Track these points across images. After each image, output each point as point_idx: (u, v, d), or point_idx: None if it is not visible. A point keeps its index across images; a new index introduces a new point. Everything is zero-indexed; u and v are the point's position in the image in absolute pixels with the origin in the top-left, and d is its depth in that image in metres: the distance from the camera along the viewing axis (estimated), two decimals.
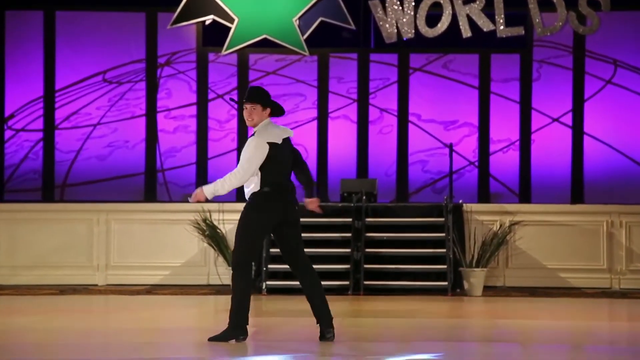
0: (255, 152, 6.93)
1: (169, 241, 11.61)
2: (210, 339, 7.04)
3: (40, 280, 11.48)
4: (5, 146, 13.27)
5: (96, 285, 11.60)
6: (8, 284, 11.48)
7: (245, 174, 6.93)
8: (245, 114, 7.03)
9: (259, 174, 6.99)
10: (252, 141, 6.99)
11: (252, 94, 7.02)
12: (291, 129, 14.77)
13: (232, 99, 7.33)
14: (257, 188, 7.00)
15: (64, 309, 9.79)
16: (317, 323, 7.11)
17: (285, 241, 7.12)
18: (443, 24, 13.03)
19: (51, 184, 13.24)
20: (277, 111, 7.10)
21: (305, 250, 11.36)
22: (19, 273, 11.55)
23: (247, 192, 7.08)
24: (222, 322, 9.03)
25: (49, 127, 13.33)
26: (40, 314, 9.37)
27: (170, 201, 13.10)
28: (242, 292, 6.97)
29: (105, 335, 7.80)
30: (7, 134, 13.29)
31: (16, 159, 13.29)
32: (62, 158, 13.32)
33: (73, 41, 13.34)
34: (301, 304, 10.35)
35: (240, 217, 7.02)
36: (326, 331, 7.07)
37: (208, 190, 7.03)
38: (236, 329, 6.98)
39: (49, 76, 13.29)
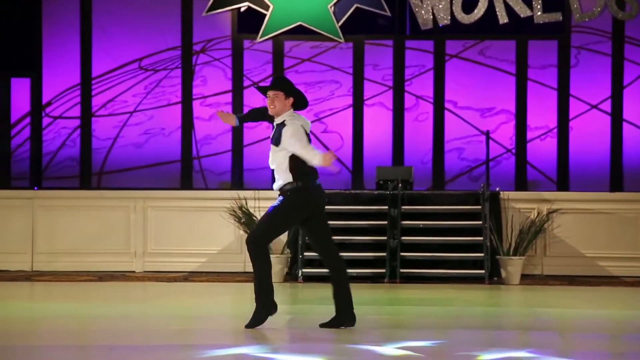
0: (303, 136, 6.90)
1: (205, 228, 11.65)
2: (247, 326, 7.05)
3: (78, 267, 11.58)
4: (43, 133, 13.37)
5: (134, 272, 11.67)
6: (47, 270, 11.59)
7: (309, 156, 6.90)
8: (268, 101, 7.00)
9: (292, 165, 6.94)
10: (291, 128, 6.94)
11: (275, 82, 7.03)
12: (326, 116, 14.77)
13: (256, 85, 7.31)
14: (292, 180, 6.97)
15: (102, 296, 9.86)
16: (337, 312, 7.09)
17: (315, 234, 7.10)
18: (479, 10, 12.92)
19: (88, 171, 13.33)
20: (300, 102, 7.03)
21: (342, 237, 11.40)
22: (57, 259, 11.65)
23: (281, 184, 7.00)
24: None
25: (86, 115, 13.41)
26: (79, 300, 9.45)
27: (207, 188, 13.14)
28: (261, 270, 6.94)
29: (143, 321, 7.84)
30: (45, 121, 13.39)
31: (54, 146, 13.39)
32: (99, 145, 13.39)
33: (109, 28, 13.39)
34: None
35: (280, 205, 6.98)
36: (345, 322, 7.05)
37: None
38: (265, 307, 6.94)
39: (85, 64, 13.35)
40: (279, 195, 7.10)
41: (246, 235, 11.27)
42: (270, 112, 7.01)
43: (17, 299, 9.58)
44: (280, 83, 7.01)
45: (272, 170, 7.17)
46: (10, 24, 13.23)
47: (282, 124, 7.01)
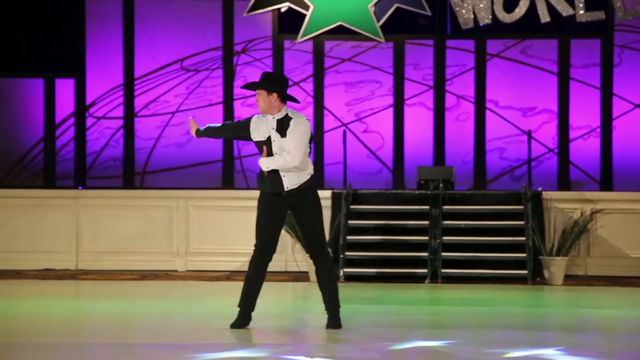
0: (307, 134, 6.92)
1: (247, 228, 11.66)
2: (330, 327, 7.04)
3: (122, 266, 11.68)
4: (87, 134, 13.51)
5: (176, 271, 11.76)
6: (91, 269, 11.71)
7: (297, 158, 6.89)
8: (257, 100, 6.99)
9: (307, 157, 7.00)
10: (303, 125, 6.90)
11: (259, 81, 6.97)
12: (367, 116, 14.78)
13: (244, 85, 7.21)
14: (312, 174, 7.03)
15: (145, 294, 9.95)
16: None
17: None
18: (521, 9, 12.85)
19: (131, 171, 13.45)
20: (286, 98, 6.99)
21: (383, 237, 11.39)
22: (102, 258, 11.77)
23: (304, 176, 6.95)
24: (300, 309, 9.08)
25: (129, 115, 13.53)
26: (122, 298, 9.54)
27: (248, 188, 13.19)
28: (336, 279, 7.08)
29: (185, 320, 7.90)
30: (89, 121, 13.53)
31: (97, 146, 13.52)
32: (142, 145, 13.51)
33: (151, 30, 13.50)
34: (378, 291, 10.35)
35: (312, 201, 6.97)
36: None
37: (263, 162, 6.96)
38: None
39: (128, 65, 13.48)
40: (299, 192, 6.94)
41: (287, 234, 11.35)
42: (260, 111, 6.96)
43: (63, 298, 9.70)
44: (261, 81, 6.95)
45: (276, 171, 6.96)
46: (55, 26, 13.39)
47: (289, 117, 6.94)
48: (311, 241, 7.03)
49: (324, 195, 11.67)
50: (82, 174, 13.40)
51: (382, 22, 13.02)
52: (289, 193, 6.96)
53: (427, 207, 11.40)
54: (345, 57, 13.44)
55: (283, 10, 13.23)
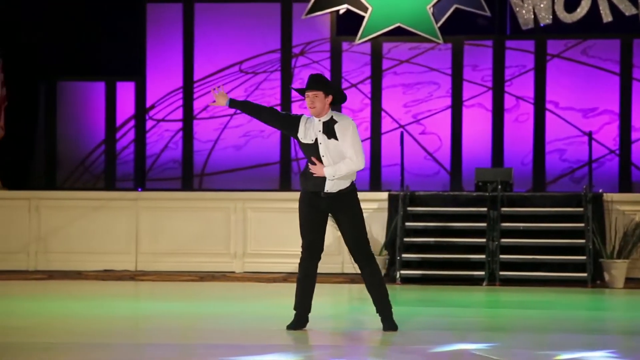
0: (358, 134, 6.98)
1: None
2: (386, 330, 7.03)
3: (180, 267, 11.80)
4: (147, 136, 13.68)
5: (233, 272, 11.83)
6: (150, 270, 11.84)
7: (361, 160, 6.91)
8: (307, 101, 6.92)
9: None
10: (351, 126, 6.91)
11: (314, 82, 6.93)
12: (424, 117, 14.70)
13: (293, 87, 7.22)
14: (354, 179, 7.01)
15: (203, 296, 10.04)
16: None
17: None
18: (582, 9, 12.69)
19: (190, 173, 13.58)
20: (338, 98, 6.99)
21: (440, 239, 11.33)
22: (160, 259, 11.90)
23: (346, 181, 6.94)
24: (357, 311, 9.08)
25: (188, 117, 13.67)
26: (181, 299, 9.63)
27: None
28: (384, 281, 7.05)
29: (243, 321, 7.94)
30: (149, 124, 13.70)
31: (157, 148, 13.68)
32: (200, 147, 13.63)
33: (211, 32, 13.62)
34: (435, 293, 10.30)
35: (352, 205, 6.95)
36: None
37: (328, 171, 6.94)
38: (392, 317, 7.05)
39: (188, 67, 13.61)
40: (338, 196, 6.93)
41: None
42: (312, 112, 6.94)
43: (122, 298, 9.83)
44: (319, 82, 6.94)
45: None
46: (116, 30, 13.58)
47: (334, 119, 6.92)
48: (354, 246, 7.02)
49: (381, 197, 11.65)
50: (142, 176, 13.57)
51: (440, 23, 12.96)
52: (327, 195, 6.95)
53: (485, 209, 11.31)
54: (403, 58, 13.41)
55: (341, 12, 13.24)
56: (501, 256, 11.01)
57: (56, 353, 6.21)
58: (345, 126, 6.92)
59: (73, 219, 12.01)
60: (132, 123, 13.71)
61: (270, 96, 13.51)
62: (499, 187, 11.46)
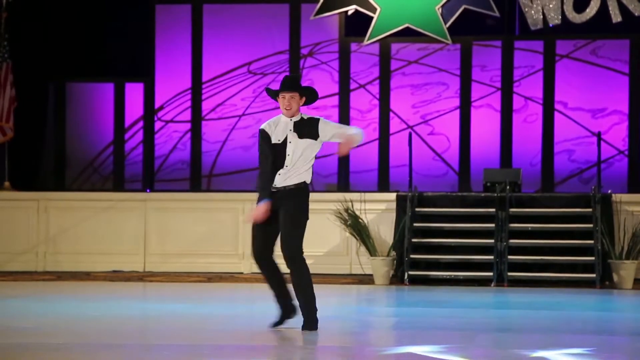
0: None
1: (311, 230, 11.61)
2: (305, 329, 6.99)
3: (189, 268, 11.81)
4: (155, 137, 13.70)
5: (242, 273, 11.84)
6: (158, 271, 11.86)
7: (350, 130, 7.03)
8: (283, 103, 6.97)
9: (311, 162, 7.02)
10: (322, 119, 7.06)
11: (291, 83, 6.99)
12: (433, 118, 14.66)
13: (268, 89, 7.23)
14: (308, 179, 7.02)
15: (211, 296, 10.04)
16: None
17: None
18: (592, 9, 12.66)
19: (198, 173, 13.60)
20: (310, 99, 7.07)
21: (448, 240, 11.31)
22: (169, 260, 11.92)
23: (301, 179, 6.96)
24: (364, 312, 9.08)
25: (197, 118, 13.68)
26: (189, 300, 9.64)
27: (313, 191, 13.18)
28: (310, 280, 6.97)
29: (250, 322, 7.95)
30: (157, 125, 13.71)
31: (165, 149, 13.70)
32: (209, 148, 13.64)
33: (219, 34, 13.63)
34: (443, 294, 10.29)
35: (298, 204, 6.92)
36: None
37: (354, 131, 7.03)
38: (315, 319, 7.00)
39: (196, 68, 13.63)
40: (286, 193, 6.92)
41: (352, 237, 11.34)
42: (287, 114, 6.99)
43: (131, 299, 9.85)
44: (296, 84, 7.02)
45: (280, 168, 6.94)
46: (125, 31, 13.61)
47: (308, 119, 6.99)
48: (283, 243, 6.96)
49: (389, 197, 11.65)
50: (150, 177, 13.59)
51: (449, 23, 12.95)
52: (277, 189, 6.96)
53: (494, 209, 11.30)
54: (411, 59, 13.40)
55: (350, 12, 13.24)
56: (509, 257, 10.99)
57: (65, 354, 6.22)
58: (321, 120, 7.01)
59: (82, 220, 12.03)
60: (140, 124, 13.73)
61: None
62: (508, 187, 11.44)
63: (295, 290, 7.03)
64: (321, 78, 13.55)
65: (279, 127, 7.03)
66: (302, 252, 6.97)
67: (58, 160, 13.69)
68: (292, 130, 6.99)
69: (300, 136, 6.96)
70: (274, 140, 7.00)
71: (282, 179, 6.97)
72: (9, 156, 12.54)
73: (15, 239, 11.99)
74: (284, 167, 6.95)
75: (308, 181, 7.03)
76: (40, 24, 13.27)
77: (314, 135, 6.98)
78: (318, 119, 7.05)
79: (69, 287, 10.82)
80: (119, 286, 10.93)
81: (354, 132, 7.02)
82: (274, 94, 7.06)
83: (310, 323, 7.00)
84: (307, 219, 7.03)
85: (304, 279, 6.96)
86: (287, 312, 7.13)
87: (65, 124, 13.70)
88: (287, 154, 6.96)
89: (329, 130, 7.00)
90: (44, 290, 10.51)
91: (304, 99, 7.04)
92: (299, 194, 6.97)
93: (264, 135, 7.04)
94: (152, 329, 7.56)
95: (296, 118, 7.04)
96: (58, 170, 13.69)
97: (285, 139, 6.98)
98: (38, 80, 13.49)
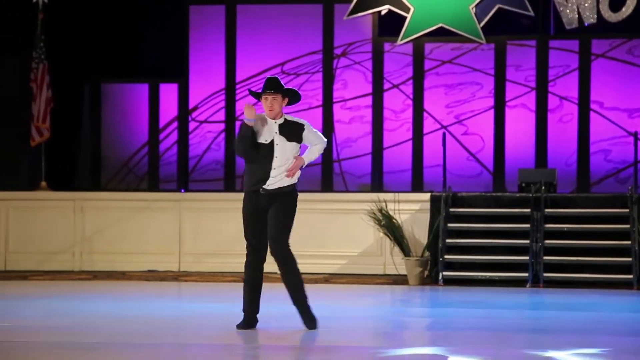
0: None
1: (345, 231, 11.72)
2: (311, 328, 7.02)
3: (223, 268, 11.84)
4: (190, 137, 13.76)
5: (275, 273, 11.83)
6: (193, 270, 11.91)
7: (324, 139, 7.25)
8: (266, 104, 7.03)
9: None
10: (307, 125, 7.15)
11: (273, 84, 7.06)
12: (467, 118, 14.61)
13: (250, 90, 7.28)
14: (295, 180, 7.13)
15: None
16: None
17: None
18: (627, 8, 12.54)
19: (232, 174, 13.64)
20: (293, 100, 7.14)
21: (483, 240, 11.26)
22: (203, 260, 11.96)
23: (290, 180, 7.06)
24: (398, 313, 9.06)
25: (230, 119, 13.73)
26: (223, 300, 9.67)
27: (347, 191, 13.22)
28: (299, 274, 7.07)
29: (283, 321, 7.96)
30: (192, 125, 13.78)
31: (200, 149, 13.76)
32: None
33: (253, 34, 13.67)
34: (478, 294, 10.24)
35: (286, 204, 7.06)
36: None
37: (305, 160, 7.17)
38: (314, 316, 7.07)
39: (230, 69, 13.68)
40: (279, 194, 7.04)
41: (386, 237, 11.32)
42: (270, 115, 7.05)
43: (166, 299, 9.90)
44: (278, 85, 7.07)
45: (268, 170, 7.02)
46: (159, 32, 13.69)
47: (294, 123, 7.08)
48: (272, 241, 7.08)
49: (423, 198, 11.61)
50: (185, 177, 13.66)
51: (483, 23, 12.89)
52: (266, 192, 7.08)
53: (529, 210, 11.22)
54: (445, 59, 13.35)
55: (383, 12, 13.22)
56: (545, 257, 10.92)
57: (101, 353, 6.27)
58: (307, 128, 7.14)
59: (117, 219, 12.11)
60: (175, 124, 13.80)
61: (312, 97, 13.53)
62: (543, 188, 11.37)
63: (292, 290, 7.11)
64: (354, 78, 13.55)
65: (266, 128, 7.10)
66: (290, 250, 7.13)
67: (94, 161, 13.80)
68: (278, 133, 7.07)
69: (289, 139, 7.07)
70: (260, 140, 7.05)
71: (275, 181, 7.08)
72: (45, 156, 12.65)
73: (52, 238, 12.10)
74: (272, 169, 7.05)
75: (295, 182, 7.19)
76: (76, 25, 13.38)
77: (299, 140, 7.12)
78: (303, 125, 7.14)
79: (105, 287, 10.90)
80: (154, 286, 10.99)
81: (319, 150, 7.18)
82: (257, 96, 7.13)
83: (313, 321, 7.11)
84: (293, 219, 7.21)
85: (298, 275, 7.11)
86: (253, 321, 7.21)
87: (101, 124, 13.80)
88: (274, 156, 7.06)
89: (311, 139, 7.17)
90: (80, 289, 10.60)
91: (286, 99, 7.07)
92: (292, 195, 7.13)
93: (253, 133, 7.09)
94: (187, 329, 7.60)
95: (280, 120, 7.10)
96: (94, 171, 13.80)
97: (272, 141, 7.05)
98: (74, 82, 13.61)
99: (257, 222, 7.14)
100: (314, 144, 7.21)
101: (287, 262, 7.05)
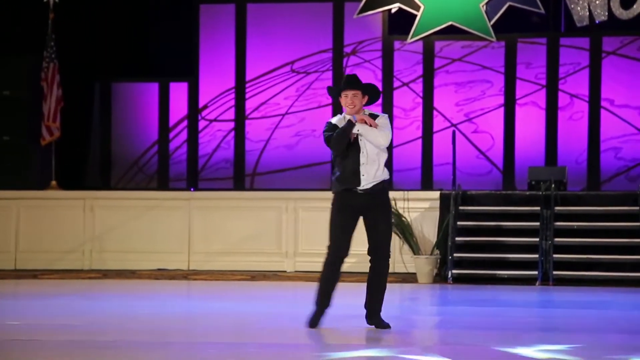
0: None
1: (355, 229, 11.69)
2: (378, 327, 7.11)
3: (232, 266, 11.86)
4: (199, 136, 13.78)
5: (285, 271, 11.87)
6: (203, 269, 11.93)
7: (387, 139, 7.10)
8: (346, 101, 7.04)
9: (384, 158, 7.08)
10: (387, 119, 7.11)
11: (353, 82, 7.05)
12: (477, 116, 14.60)
13: (329, 87, 7.28)
14: (388, 176, 7.14)
15: (254, 295, 10.08)
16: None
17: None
18: (639, 5, 12.50)
19: (242, 172, 13.65)
20: (373, 99, 7.14)
21: (493, 239, 11.25)
22: (213, 259, 11.98)
23: (380, 177, 7.03)
24: (406, 310, 9.06)
25: (240, 117, 13.74)
26: (233, 299, 9.69)
27: None
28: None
29: (293, 320, 7.97)
30: (201, 124, 13.80)
31: (209, 148, 13.77)
32: (252, 147, 13.70)
33: (263, 33, 13.68)
34: (487, 293, 10.23)
35: (388, 203, 7.14)
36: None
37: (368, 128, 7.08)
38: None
39: (240, 68, 13.69)
40: (376, 192, 7.03)
41: (395, 235, 11.30)
42: (350, 111, 7.06)
43: (176, 297, 9.92)
44: (358, 82, 7.08)
45: (357, 169, 7.01)
46: (169, 31, 13.71)
47: (372, 115, 7.08)
48: (382, 242, 7.15)
49: (433, 196, 11.60)
50: (194, 176, 13.68)
51: (493, 21, 12.86)
52: (364, 191, 7.04)
53: (538, 208, 11.20)
54: (455, 57, 13.33)
55: (393, 11, 13.21)
56: (555, 255, 10.90)
57: (111, 351, 6.28)
58: (381, 116, 7.11)
59: (127, 218, 12.14)
60: (184, 123, 13.82)
61: (321, 96, 13.53)
62: (553, 186, 11.34)
63: (379, 289, 7.19)
64: (364, 76, 13.50)
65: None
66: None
67: (104, 160, 13.83)
68: (360, 130, 7.05)
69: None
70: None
71: (366, 180, 7.05)
72: (55, 156, 12.69)
73: (62, 237, 12.13)
74: (361, 164, 7.02)
75: (387, 178, 7.13)
76: (87, 25, 13.42)
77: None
78: (378, 115, 7.14)
79: (115, 285, 10.93)
80: (164, 284, 11.01)
81: (379, 134, 7.07)
82: (336, 93, 7.11)
83: (386, 324, 7.17)
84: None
85: (387, 275, 7.26)
86: (323, 314, 7.20)
87: (111, 123, 13.83)
88: (361, 151, 7.05)
89: (382, 126, 7.08)
90: (90, 288, 10.63)
91: (366, 97, 7.09)
92: (386, 194, 7.13)
93: (333, 127, 7.07)
94: (197, 327, 7.61)
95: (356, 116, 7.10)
96: (104, 170, 13.83)
97: (357, 138, 7.04)
98: (84, 81, 13.64)
99: (347, 224, 7.17)
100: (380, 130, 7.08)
101: (387, 259, 7.21)
